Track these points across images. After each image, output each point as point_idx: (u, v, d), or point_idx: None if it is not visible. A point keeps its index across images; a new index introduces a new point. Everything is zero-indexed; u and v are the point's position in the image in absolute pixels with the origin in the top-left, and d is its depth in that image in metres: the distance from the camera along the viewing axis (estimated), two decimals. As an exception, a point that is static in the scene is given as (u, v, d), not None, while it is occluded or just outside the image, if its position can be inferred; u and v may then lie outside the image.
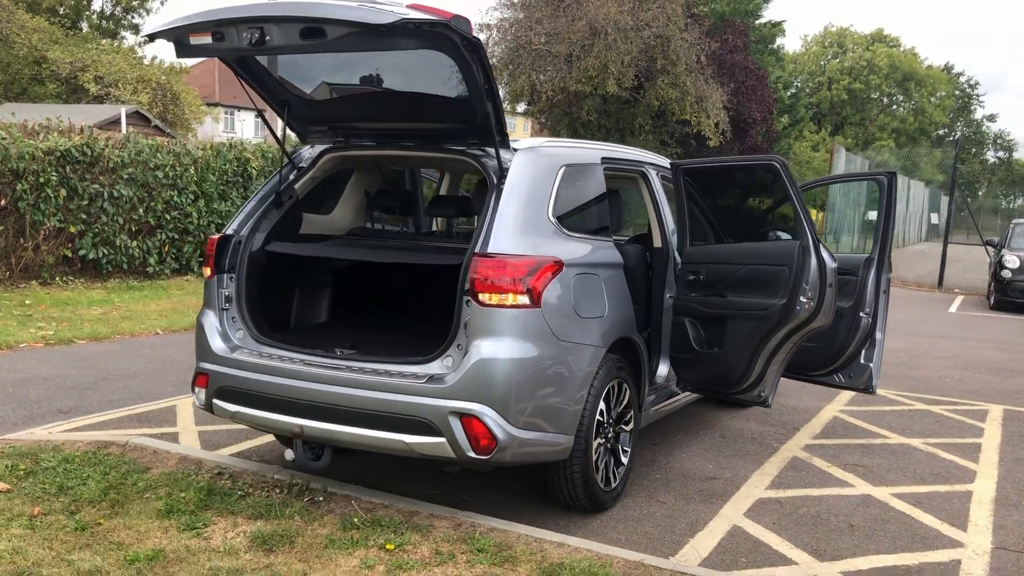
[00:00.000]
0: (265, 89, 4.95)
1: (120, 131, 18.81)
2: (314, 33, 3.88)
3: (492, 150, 4.64)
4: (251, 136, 39.45)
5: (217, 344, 4.82)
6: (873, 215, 24.22)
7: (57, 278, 12.70)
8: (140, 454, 5.34)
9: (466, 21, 3.95)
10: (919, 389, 8.79)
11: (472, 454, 4.17)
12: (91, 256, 13.06)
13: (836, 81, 65.35)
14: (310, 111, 5.12)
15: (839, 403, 7.90)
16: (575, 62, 23.80)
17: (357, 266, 5.61)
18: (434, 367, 4.31)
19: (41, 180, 12.18)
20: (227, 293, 4.90)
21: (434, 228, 6.67)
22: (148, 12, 38.59)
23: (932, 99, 66.80)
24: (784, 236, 6.14)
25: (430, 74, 4.55)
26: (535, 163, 4.67)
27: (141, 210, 13.63)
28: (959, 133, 72.88)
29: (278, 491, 4.84)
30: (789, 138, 50.75)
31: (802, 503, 5.25)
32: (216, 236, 4.99)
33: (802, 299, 5.07)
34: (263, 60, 4.79)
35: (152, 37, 4.26)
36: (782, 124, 41.81)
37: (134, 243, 13.67)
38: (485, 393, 4.15)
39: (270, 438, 5.91)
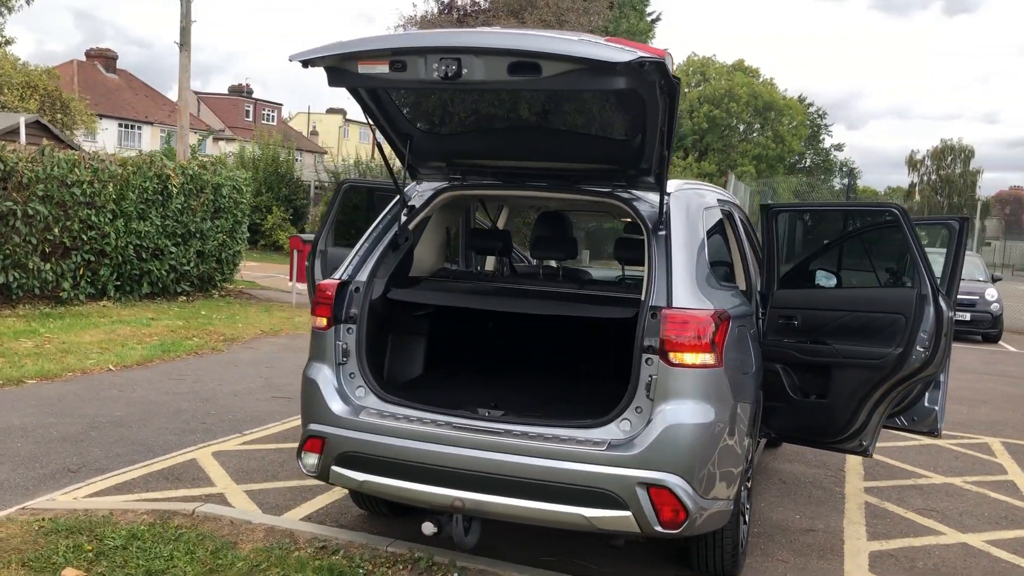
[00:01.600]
0: (389, 121, 4.46)
1: (19, 142, 17.20)
2: (525, 68, 3.48)
3: (649, 194, 4.35)
4: (112, 146, 37.20)
5: (337, 404, 4.28)
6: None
7: (-37, 305, 11.39)
8: (215, 525, 4.69)
9: (671, 59, 3.64)
10: (909, 422, 8.97)
11: (659, 528, 3.82)
12: (0, 280, 11.78)
13: (697, 109, 67.79)
14: (433, 145, 4.66)
15: (855, 440, 7.94)
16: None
17: (453, 312, 5.15)
18: (610, 432, 3.94)
19: (-50, 196, 10.89)
20: (344, 346, 4.37)
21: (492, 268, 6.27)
22: (10, 10, 35.71)
23: (790, 127, 70.29)
24: (827, 275, 6.11)
25: (587, 111, 4.21)
26: (688, 207, 4.41)
27: (56, 229, 12.41)
28: (819, 161, 77.09)
29: (402, 567, 4.34)
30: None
31: (913, 555, 5.16)
32: (331, 282, 4.45)
33: (919, 348, 4.99)
34: (394, 91, 4.30)
35: (307, 63, 3.71)
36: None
37: (47, 266, 12.44)
38: (675, 461, 3.83)
39: (334, 496, 5.35)
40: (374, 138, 4.57)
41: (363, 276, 4.47)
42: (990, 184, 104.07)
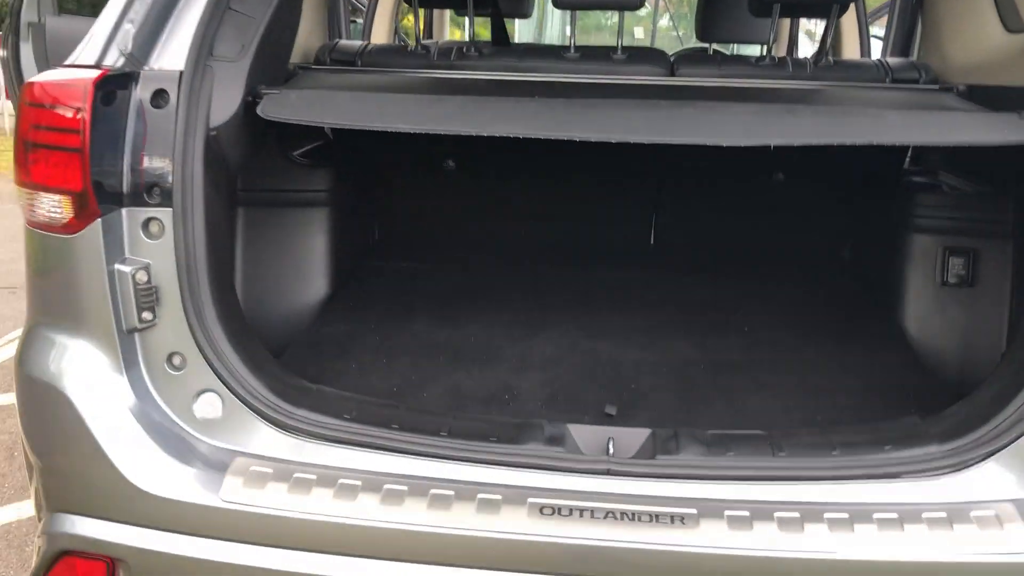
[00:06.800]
0: None
1: None
2: None
3: None
4: None
5: (152, 457, 1.59)
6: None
7: None
8: None
9: None
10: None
11: None
12: None
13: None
14: None
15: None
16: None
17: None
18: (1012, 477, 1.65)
19: None
20: (143, 275, 1.60)
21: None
22: None
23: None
24: None
25: None
26: None
27: None
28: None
29: None
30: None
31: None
32: (77, 78, 1.60)
33: None
34: None
35: None
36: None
37: None
38: None
39: None
40: None
41: (169, 58, 1.65)
42: None
